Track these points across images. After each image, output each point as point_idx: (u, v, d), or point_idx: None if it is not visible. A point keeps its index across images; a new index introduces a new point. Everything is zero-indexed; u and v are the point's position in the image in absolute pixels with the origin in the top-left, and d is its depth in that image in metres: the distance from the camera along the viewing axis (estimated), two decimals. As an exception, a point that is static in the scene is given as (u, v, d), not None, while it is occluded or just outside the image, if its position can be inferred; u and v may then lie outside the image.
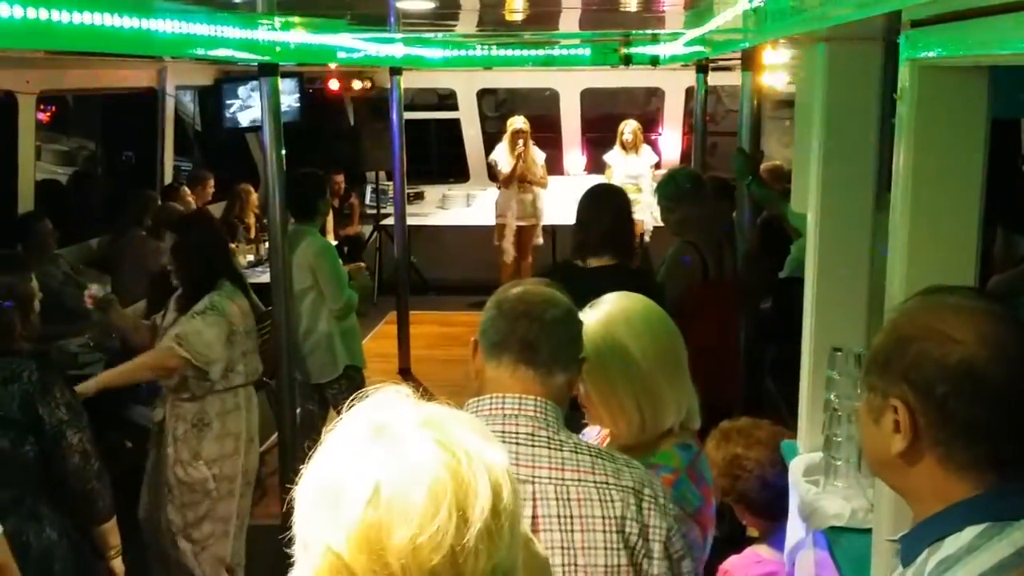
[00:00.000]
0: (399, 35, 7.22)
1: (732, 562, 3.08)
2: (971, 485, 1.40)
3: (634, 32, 8.27)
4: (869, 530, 2.48)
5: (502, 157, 9.49)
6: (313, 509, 1.06)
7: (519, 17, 6.95)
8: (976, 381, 1.37)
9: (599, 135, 10.88)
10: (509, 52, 8.81)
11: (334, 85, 10.60)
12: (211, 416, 4.23)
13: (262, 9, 4.37)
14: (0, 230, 6.50)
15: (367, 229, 10.53)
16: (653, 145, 10.45)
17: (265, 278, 5.15)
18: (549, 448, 1.86)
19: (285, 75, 6.49)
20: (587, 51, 8.84)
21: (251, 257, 8.06)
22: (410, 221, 8.77)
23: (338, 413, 1.14)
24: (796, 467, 3.00)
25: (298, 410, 4.92)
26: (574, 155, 10.97)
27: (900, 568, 1.47)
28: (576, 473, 1.85)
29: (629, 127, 9.81)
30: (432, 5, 5.87)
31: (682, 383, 2.30)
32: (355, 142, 10.31)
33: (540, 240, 9.81)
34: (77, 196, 8.70)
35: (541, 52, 9.02)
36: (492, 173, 9.93)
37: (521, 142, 9.33)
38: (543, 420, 1.87)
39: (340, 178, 9.90)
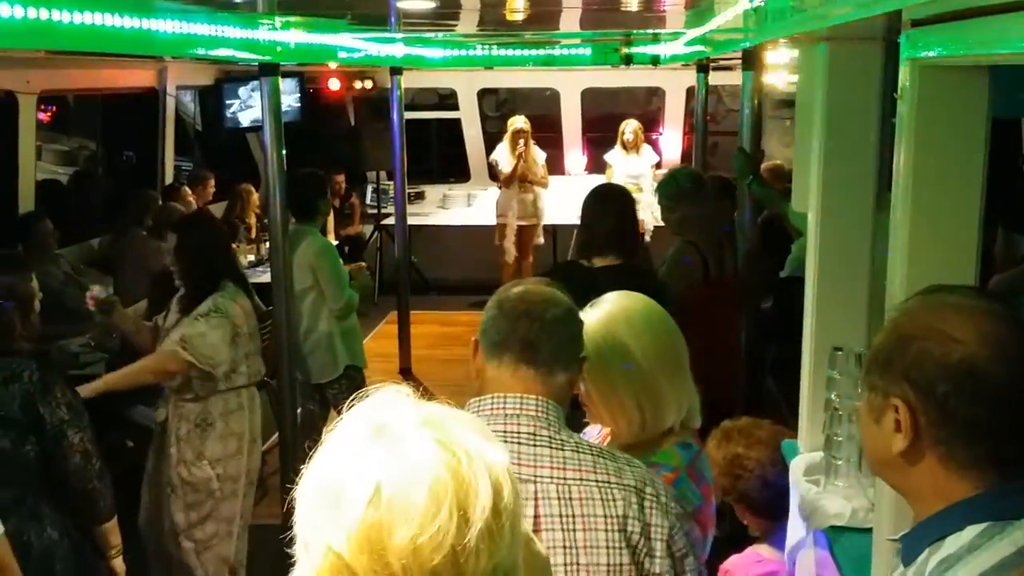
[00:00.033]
0: (400, 35, 7.22)
1: (733, 561, 3.08)
2: (972, 484, 1.40)
3: (635, 32, 8.27)
4: (870, 529, 2.48)
5: (503, 157, 9.49)
6: (314, 509, 1.06)
7: (520, 17, 6.95)
8: (977, 380, 1.37)
9: (600, 135, 10.88)
10: (510, 52, 8.81)
11: (334, 85, 10.60)
12: (214, 416, 4.23)
13: (263, 9, 4.37)
14: (1, 230, 6.50)
15: (368, 229, 10.53)
16: (654, 145, 10.45)
17: (266, 278, 5.15)
18: (551, 447, 1.86)
19: (286, 75, 6.49)
20: (588, 51, 8.84)
21: (252, 257, 8.06)
22: (411, 221, 8.77)
23: (339, 413, 1.14)
24: (797, 466, 3.00)
25: (299, 410, 4.92)
26: (575, 155, 10.97)
27: (901, 567, 1.47)
28: (578, 472, 1.85)
29: (630, 127, 9.81)
30: (433, 5, 5.87)
31: (683, 382, 2.30)
32: (356, 142, 10.30)
33: (541, 240, 9.81)
34: (78, 196, 8.71)
35: (542, 52, 9.02)
36: (493, 173, 9.93)
37: (522, 142, 9.33)
38: (544, 419, 1.87)
39: (341, 178, 9.90)
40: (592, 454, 1.88)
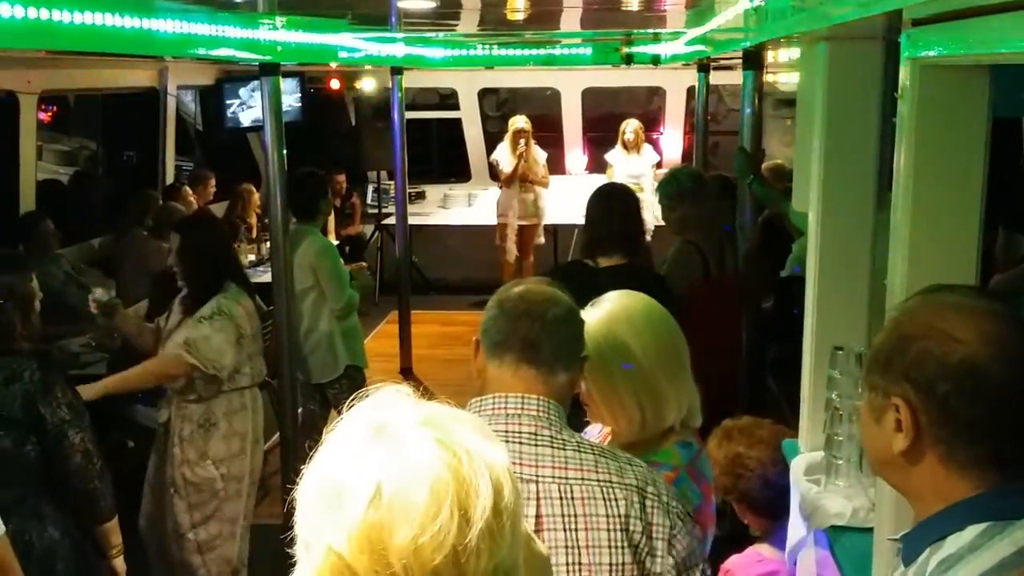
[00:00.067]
0: (400, 34, 7.22)
1: (734, 561, 3.08)
2: (972, 484, 1.40)
3: (635, 31, 8.27)
4: (870, 529, 2.48)
5: (504, 156, 9.49)
6: (314, 509, 1.06)
7: (520, 16, 6.96)
8: (977, 380, 1.37)
9: (600, 134, 10.88)
10: (510, 51, 8.81)
11: (335, 85, 10.60)
12: (218, 416, 4.22)
13: (263, 9, 4.37)
14: (2, 230, 6.50)
15: (368, 229, 10.54)
16: (654, 144, 10.45)
17: (266, 278, 5.16)
18: (552, 447, 1.86)
19: (286, 75, 6.49)
20: (588, 50, 8.84)
21: (253, 257, 8.06)
22: (411, 221, 8.77)
23: (339, 413, 1.14)
24: (797, 466, 3.00)
25: (299, 410, 4.92)
26: (575, 154, 10.98)
27: (901, 567, 1.47)
28: (579, 472, 1.85)
29: (631, 126, 9.81)
30: (433, 5, 5.87)
31: (683, 381, 2.31)
32: (356, 142, 10.31)
33: (542, 239, 9.82)
34: (78, 196, 8.72)
35: (542, 51, 9.01)
36: (494, 172, 9.93)
37: (523, 141, 9.33)
38: (546, 419, 1.87)
39: (341, 178, 9.90)
40: (594, 453, 1.88)
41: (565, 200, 9.80)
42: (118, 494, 3.40)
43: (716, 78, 7.77)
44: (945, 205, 2.08)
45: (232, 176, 9.21)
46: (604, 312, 2.28)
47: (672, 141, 10.82)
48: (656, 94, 11.64)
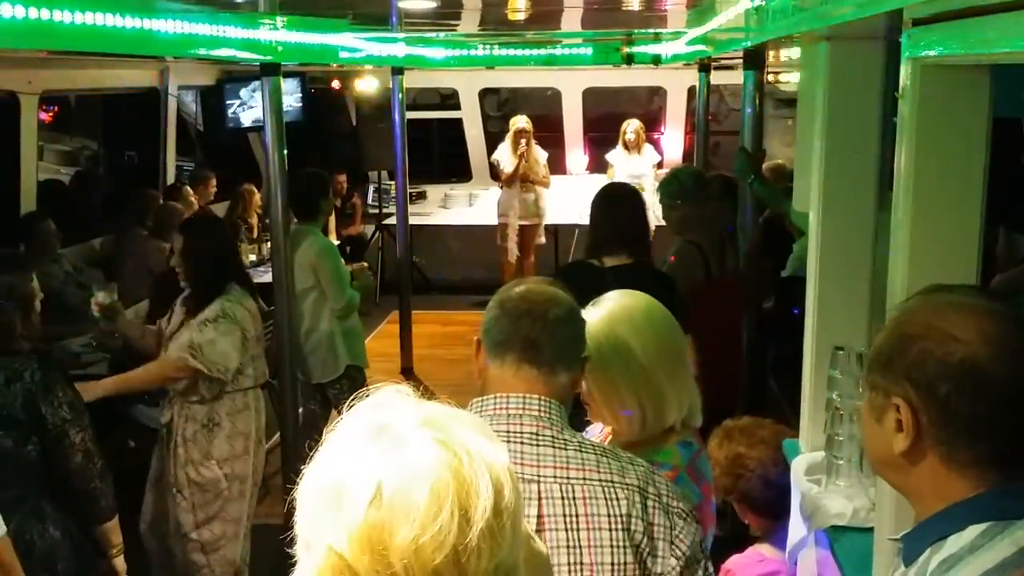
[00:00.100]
0: (401, 35, 7.22)
1: (734, 561, 3.08)
2: (973, 484, 1.40)
3: (636, 31, 8.27)
4: (871, 529, 2.48)
5: (504, 156, 9.50)
6: (315, 509, 1.06)
7: (521, 16, 6.95)
8: (978, 379, 1.37)
9: (601, 134, 10.88)
10: (511, 51, 8.80)
11: (336, 85, 10.60)
12: (221, 416, 4.21)
13: (264, 9, 4.37)
14: (2, 230, 6.50)
15: (369, 229, 10.54)
16: (655, 144, 10.45)
17: (267, 278, 5.16)
18: (554, 447, 1.86)
19: (287, 75, 6.50)
20: (589, 50, 8.83)
21: (253, 257, 8.06)
22: (412, 221, 8.77)
23: (340, 413, 1.14)
24: (798, 466, 3.00)
25: (300, 410, 4.92)
26: (576, 154, 10.97)
27: (902, 567, 1.47)
28: (581, 472, 1.85)
29: (631, 126, 9.81)
30: (434, 5, 5.87)
31: (684, 381, 2.31)
32: (357, 142, 10.31)
33: (542, 239, 9.82)
34: (79, 196, 8.72)
35: (543, 51, 9.01)
36: (494, 172, 9.94)
37: (523, 141, 9.34)
38: (547, 419, 1.87)
39: (342, 178, 9.90)
40: (595, 453, 1.88)
41: (566, 200, 9.81)
42: (119, 494, 3.40)
43: (717, 78, 7.77)
44: (946, 205, 2.07)
45: (233, 176, 9.22)
46: (605, 312, 2.28)
47: (673, 141, 10.82)
48: (657, 94, 11.64)
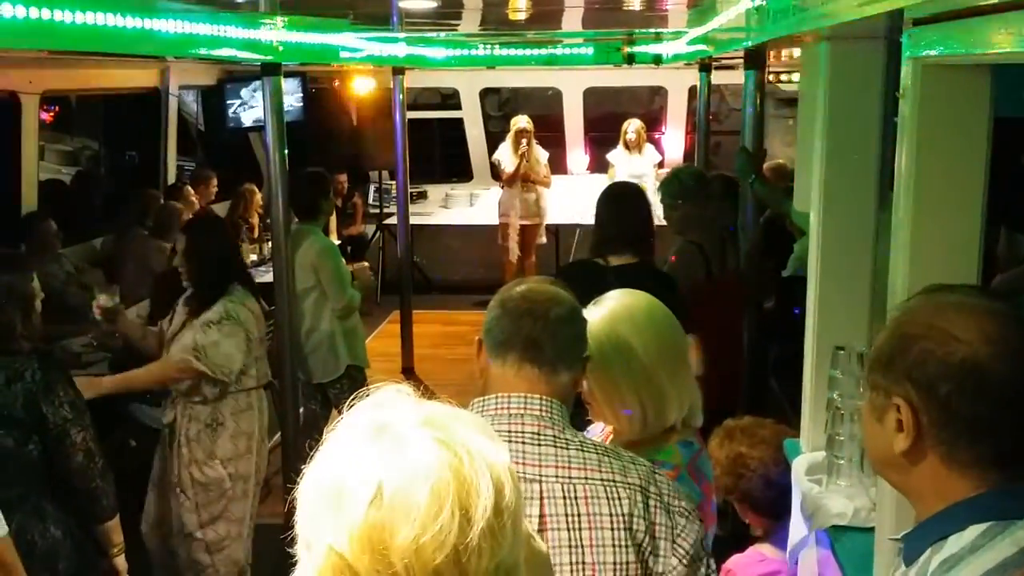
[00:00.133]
0: (402, 34, 7.22)
1: (735, 561, 3.08)
2: (974, 484, 1.40)
3: (637, 31, 8.26)
4: (872, 529, 2.48)
5: (505, 156, 9.50)
6: (315, 509, 1.06)
7: (522, 16, 6.95)
8: (979, 379, 1.37)
9: (602, 134, 10.88)
10: (512, 51, 8.80)
11: (336, 85, 10.60)
12: (225, 415, 4.22)
13: (264, 9, 4.37)
14: (3, 230, 6.50)
15: (370, 228, 10.54)
16: (656, 144, 10.44)
17: (268, 278, 5.16)
18: (555, 447, 1.86)
19: (288, 75, 6.50)
20: (590, 50, 8.83)
21: (254, 256, 8.06)
22: (413, 220, 8.77)
23: (340, 413, 1.14)
24: (799, 466, 3.00)
25: (300, 410, 4.92)
26: (577, 154, 10.97)
27: (903, 567, 1.47)
28: (583, 471, 1.85)
29: (632, 126, 9.82)
30: (435, 4, 5.86)
31: (685, 380, 2.31)
32: (358, 142, 10.31)
33: (543, 239, 9.82)
34: (80, 196, 8.72)
35: (544, 51, 9.00)
36: (495, 172, 9.94)
37: (524, 141, 9.34)
38: (549, 419, 1.87)
39: (343, 177, 9.90)
40: (597, 453, 1.88)
41: (567, 200, 9.81)
42: (119, 493, 3.40)
43: (718, 78, 7.77)
44: (947, 205, 2.07)
45: (234, 176, 9.21)
46: (606, 311, 2.28)
47: (674, 141, 10.81)
48: (658, 94, 11.63)
